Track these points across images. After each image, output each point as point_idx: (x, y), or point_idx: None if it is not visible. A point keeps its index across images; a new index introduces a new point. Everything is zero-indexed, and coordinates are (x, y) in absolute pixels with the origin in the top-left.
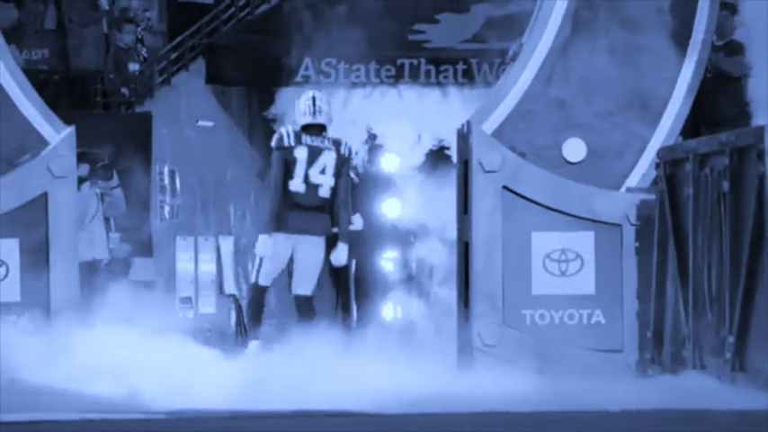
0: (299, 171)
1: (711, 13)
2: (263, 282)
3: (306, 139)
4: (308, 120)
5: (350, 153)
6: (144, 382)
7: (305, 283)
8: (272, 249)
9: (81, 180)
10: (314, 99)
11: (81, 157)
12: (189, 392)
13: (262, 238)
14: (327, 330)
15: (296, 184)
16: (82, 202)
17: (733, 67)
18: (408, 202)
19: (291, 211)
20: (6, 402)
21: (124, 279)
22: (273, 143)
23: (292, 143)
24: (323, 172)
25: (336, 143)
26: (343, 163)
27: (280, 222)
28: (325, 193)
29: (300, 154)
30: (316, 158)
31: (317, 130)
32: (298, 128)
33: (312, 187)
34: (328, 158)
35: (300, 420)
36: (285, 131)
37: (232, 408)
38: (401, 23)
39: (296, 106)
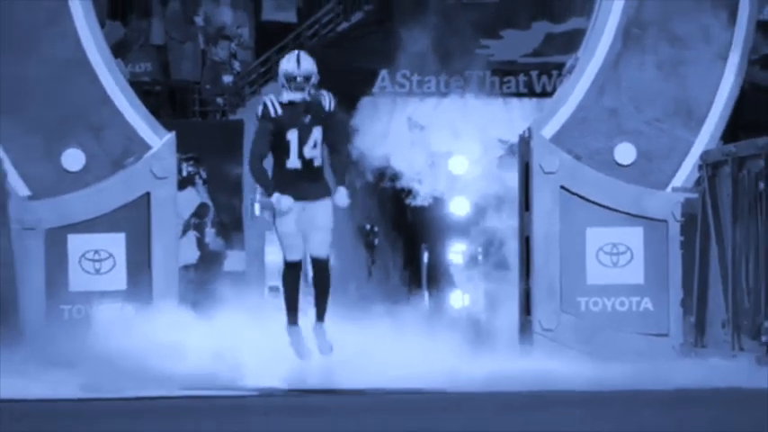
0: (294, 148)
1: (749, 32)
2: (290, 256)
3: (290, 114)
4: (294, 71)
5: (334, 104)
6: (238, 363)
7: (319, 246)
8: (285, 204)
9: (184, 182)
10: (298, 55)
11: (187, 161)
12: (279, 371)
13: (276, 196)
14: (401, 314)
15: (292, 162)
16: (183, 201)
17: (764, 79)
18: (475, 201)
19: (293, 184)
20: (109, 380)
21: (219, 270)
22: (259, 113)
23: (278, 114)
24: (315, 146)
25: (320, 97)
26: (331, 118)
27: (285, 189)
28: (318, 162)
29: (291, 135)
30: (307, 137)
31: (301, 82)
32: (281, 93)
33: (308, 161)
34: (317, 134)
35: (377, 397)
36: (270, 102)
37: (317, 385)
38: (468, 39)
39: (280, 65)
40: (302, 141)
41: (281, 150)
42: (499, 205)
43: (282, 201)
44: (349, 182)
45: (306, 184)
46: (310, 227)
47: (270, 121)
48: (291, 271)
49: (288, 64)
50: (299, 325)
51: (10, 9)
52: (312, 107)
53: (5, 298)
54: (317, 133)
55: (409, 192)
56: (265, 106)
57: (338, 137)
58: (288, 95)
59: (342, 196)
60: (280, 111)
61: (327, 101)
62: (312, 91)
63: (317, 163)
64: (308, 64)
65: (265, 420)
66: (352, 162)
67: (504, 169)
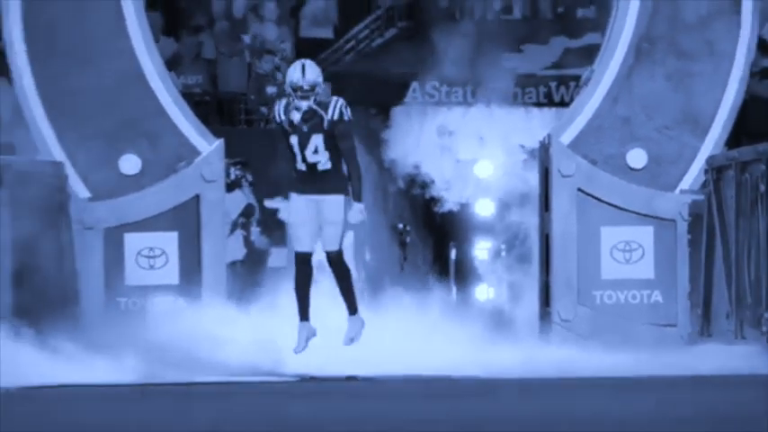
0: (297, 153)
1: (750, 47)
2: (297, 247)
3: (295, 116)
4: (299, 81)
5: (341, 112)
6: (279, 351)
7: (331, 240)
8: (290, 211)
9: (231, 185)
10: (303, 65)
11: (234, 165)
12: (317, 359)
13: (281, 204)
14: (431, 306)
15: (299, 164)
16: (231, 203)
17: (764, 90)
18: (499, 197)
19: (303, 182)
20: (161, 367)
21: (263, 266)
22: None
23: (283, 119)
24: (316, 152)
25: (324, 106)
26: (335, 127)
27: (298, 187)
28: (324, 165)
29: (293, 140)
30: (306, 143)
31: (306, 91)
32: (289, 100)
33: (311, 165)
34: (317, 140)
35: (407, 384)
36: (276, 108)
37: (356, 372)
38: (493, 53)
39: (287, 74)
40: (302, 147)
41: (290, 152)
42: (522, 203)
43: (283, 210)
44: (382, 186)
45: (315, 182)
46: (322, 221)
47: (276, 125)
48: (301, 266)
49: (293, 74)
50: (309, 321)
51: (72, 26)
52: (311, 115)
53: (68, 292)
54: (316, 140)
55: (438, 200)
56: (273, 111)
57: (343, 147)
58: (293, 103)
59: (354, 213)
60: (283, 116)
61: (332, 110)
62: (317, 99)
63: (321, 167)
64: (313, 74)
65: (304, 405)
66: (359, 165)
67: (528, 169)
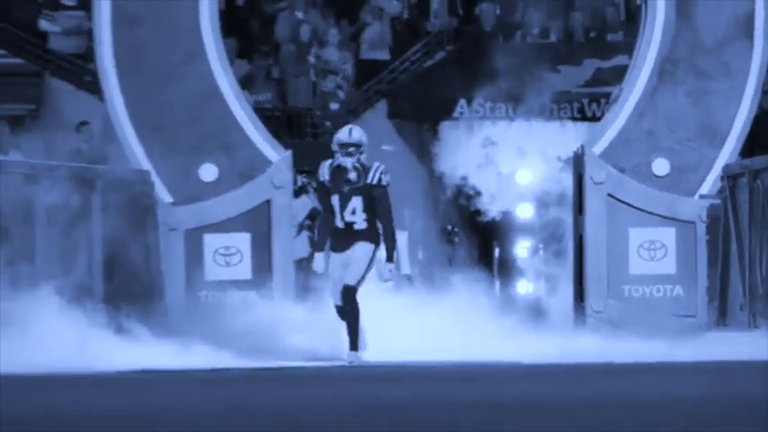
0: (337, 212)
1: (762, 68)
2: (336, 301)
3: (336, 178)
4: (345, 139)
5: (380, 178)
6: (339, 339)
7: (351, 274)
8: (324, 266)
9: (298, 191)
10: (351, 128)
11: (301, 173)
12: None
13: (317, 256)
14: (477, 298)
15: (338, 221)
16: (298, 207)
17: None
18: (537, 202)
19: (339, 239)
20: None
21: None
22: (318, 177)
23: (326, 178)
24: (353, 213)
25: (365, 168)
26: (372, 191)
27: (335, 246)
28: (360, 226)
29: (334, 200)
30: (346, 203)
31: (352, 150)
32: (334, 159)
33: (348, 224)
34: (356, 202)
35: (456, 369)
36: (322, 167)
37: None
38: (531, 73)
39: (335, 135)
40: (342, 207)
41: (331, 210)
42: (559, 202)
43: (317, 262)
44: (432, 194)
45: (352, 241)
46: (350, 261)
47: (320, 183)
48: (341, 316)
49: (341, 133)
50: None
51: (157, 50)
52: (353, 179)
53: (155, 286)
54: (356, 202)
55: (483, 212)
56: (320, 171)
57: (378, 210)
58: (338, 160)
59: (385, 272)
60: (327, 176)
61: (372, 174)
62: (360, 159)
63: (357, 227)
64: (358, 134)
65: (360, 387)
66: (393, 230)
67: (565, 172)
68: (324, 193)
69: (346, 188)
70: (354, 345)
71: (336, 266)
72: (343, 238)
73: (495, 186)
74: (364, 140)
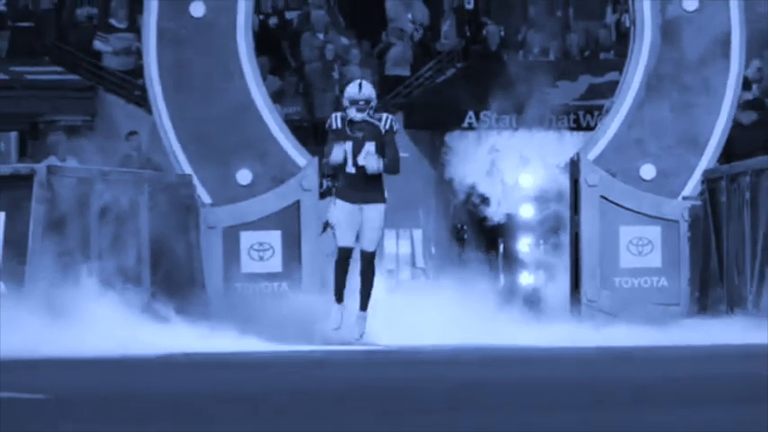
0: (349, 157)
1: (738, 84)
2: (341, 242)
3: (350, 127)
4: (356, 95)
5: (391, 125)
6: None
7: (369, 242)
8: (339, 215)
9: (324, 193)
10: (360, 83)
11: (326, 177)
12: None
13: (331, 207)
14: (484, 290)
15: (349, 167)
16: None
17: (746, 119)
18: (536, 200)
19: (351, 188)
20: (268, 338)
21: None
22: (327, 126)
23: (339, 126)
24: (366, 156)
25: (378, 119)
26: (385, 136)
27: (345, 195)
28: (371, 168)
29: (348, 146)
30: (359, 148)
31: (362, 105)
32: (345, 112)
33: (360, 168)
34: (370, 146)
35: (465, 352)
36: (334, 117)
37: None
38: (532, 88)
39: (346, 90)
40: (355, 152)
41: (340, 146)
42: (557, 200)
43: (332, 213)
44: (444, 196)
45: (361, 187)
46: (364, 226)
47: (332, 132)
48: (343, 260)
49: (352, 89)
50: (344, 304)
51: (198, 67)
52: (366, 125)
53: (196, 278)
54: (368, 147)
55: (489, 218)
56: (331, 123)
57: (389, 152)
58: (350, 114)
59: (371, 160)
60: (339, 125)
61: (383, 122)
62: (371, 113)
63: (368, 170)
64: (368, 90)
65: (384, 369)
66: (398, 166)
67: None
68: (335, 136)
69: (359, 134)
70: (365, 305)
71: (346, 212)
72: (354, 189)
73: (501, 192)
74: (374, 95)
